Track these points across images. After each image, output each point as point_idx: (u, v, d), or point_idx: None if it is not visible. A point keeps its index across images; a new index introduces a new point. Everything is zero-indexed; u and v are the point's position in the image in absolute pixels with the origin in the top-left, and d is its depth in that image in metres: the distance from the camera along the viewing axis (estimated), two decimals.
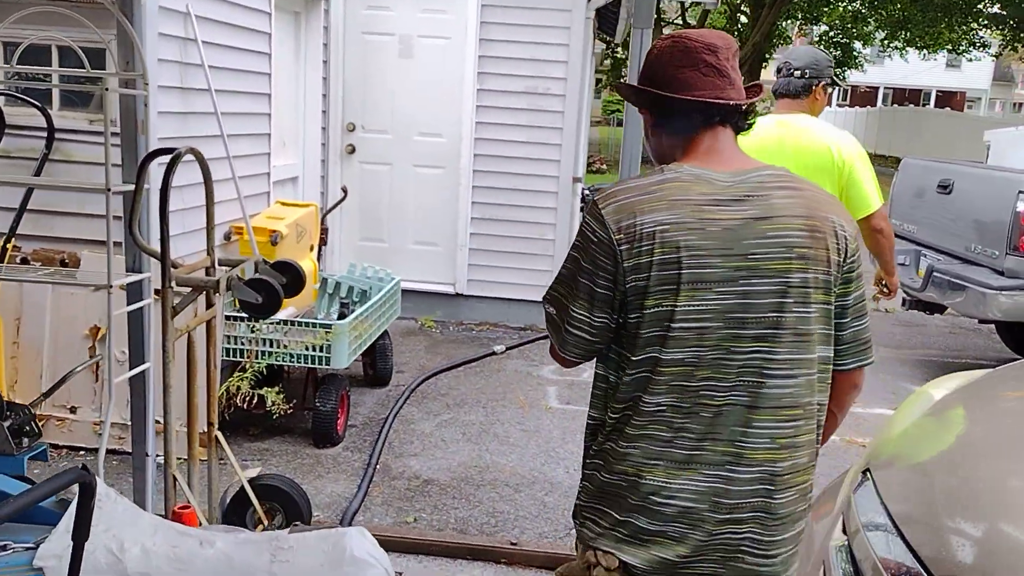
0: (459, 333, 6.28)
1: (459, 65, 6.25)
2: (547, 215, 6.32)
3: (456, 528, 3.46)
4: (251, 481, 3.03)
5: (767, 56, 33.32)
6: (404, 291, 5.94)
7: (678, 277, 1.53)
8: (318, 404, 4.07)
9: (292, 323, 4.02)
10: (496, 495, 3.75)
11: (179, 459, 2.75)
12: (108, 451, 3.38)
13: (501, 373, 5.44)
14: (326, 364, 4.02)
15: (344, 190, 5.59)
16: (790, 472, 1.58)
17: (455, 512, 3.58)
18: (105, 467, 2.97)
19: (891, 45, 30.30)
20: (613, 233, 1.56)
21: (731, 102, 1.63)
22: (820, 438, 1.64)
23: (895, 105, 40.65)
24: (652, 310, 1.55)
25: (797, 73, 3.31)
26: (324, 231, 5.41)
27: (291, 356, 4.03)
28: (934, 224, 5.68)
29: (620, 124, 33.36)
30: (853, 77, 38.74)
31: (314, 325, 4.02)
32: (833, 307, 1.60)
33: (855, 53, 33.20)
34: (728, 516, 1.57)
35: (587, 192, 6.83)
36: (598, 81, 28.27)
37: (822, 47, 33.17)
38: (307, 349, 4.00)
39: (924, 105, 46.23)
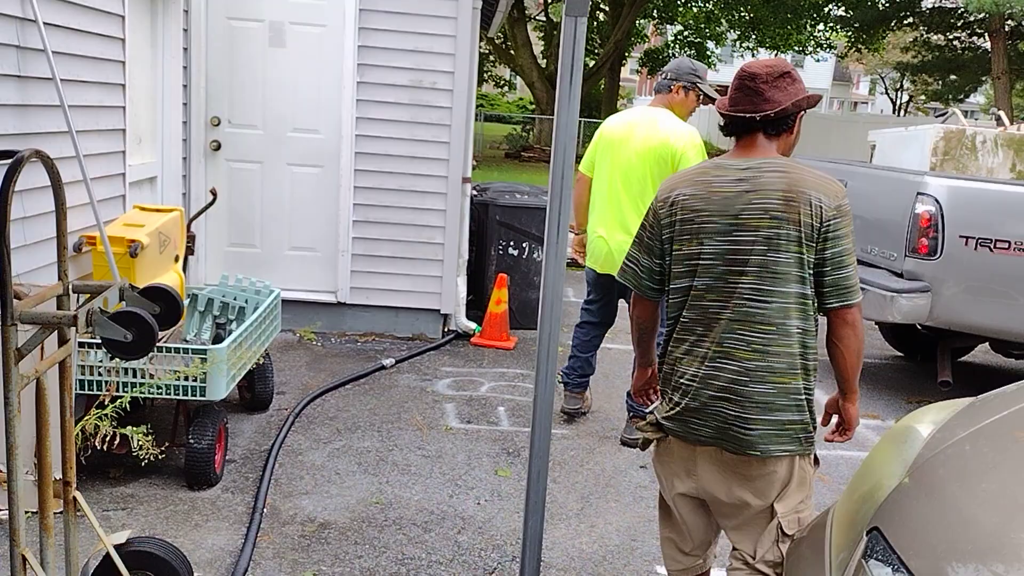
0: (343, 345, 5.81)
1: (337, 55, 5.77)
2: (436, 217, 5.94)
3: None
4: (119, 548, 2.53)
5: (626, 55, 33.98)
6: (282, 301, 5.43)
7: (692, 230, 2.28)
8: (191, 441, 3.55)
9: (160, 349, 3.48)
10: (404, 537, 3.36)
11: (29, 513, 2.23)
12: None
13: (393, 390, 5.03)
14: (201, 395, 3.51)
15: (214, 192, 5.02)
16: (764, 371, 2.20)
17: (359, 562, 3.17)
18: None
19: (743, 45, 31.44)
20: (657, 202, 2.38)
21: (744, 115, 2.30)
22: (809, 355, 2.22)
23: None
24: (678, 252, 2.31)
25: (663, 76, 4.39)
26: (190, 239, 4.84)
27: (159, 388, 3.49)
28: None
29: (487, 119, 33.10)
30: (708, 77, 39.95)
31: (187, 351, 3.50)
32: (810, 258, 2.18)
33: (708, 53, 34.27)
34: (717, 395, 2.24)
35: (475, 193, 6.49)
36: None
37: (675, 46, 34.10)
38: (179, 379, 3.48)
39: None
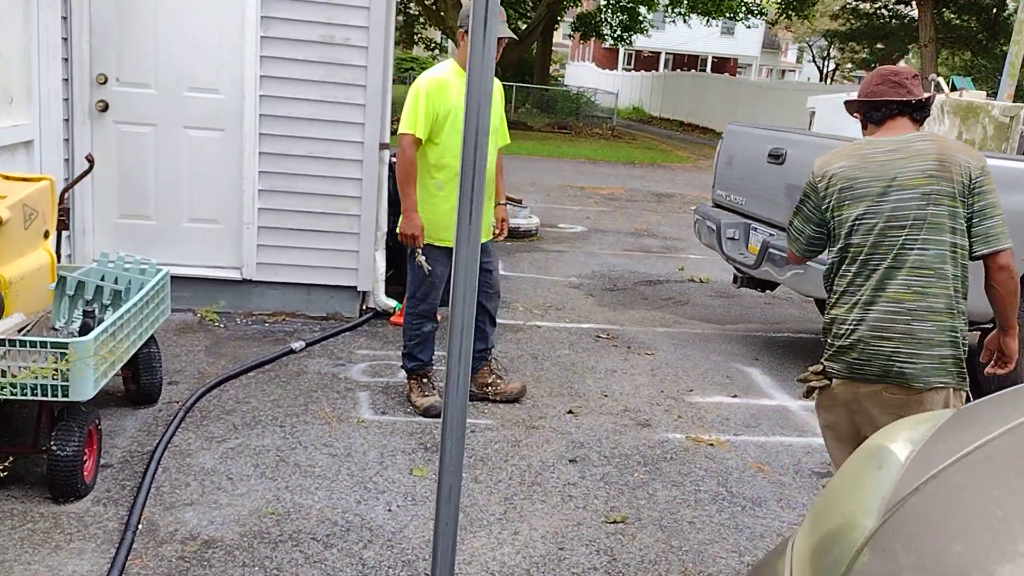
0: (249, 327, 5.33)
1: (238, 6, 5.21)
2: (351, 187, 5.47)
3: None
4: None
5: (559, 19, 33.43)
6: (179, 278, 4.93)
7: (852, 195, 2.67)
8: (54, 447, 3.07)
9: (11, 343, 2.98)
10: (300, 555, 2.95)
11: None
12: None
13: (302, 377, 4.59)
14: (64, 395, 3.03)
15: (89, 159, 4.46)
16: (925, 311, 2.58)
17: None
18: None
19: (675, 11, 31.18)
20: (815, 178, 2.78)
21: (897, 99, 2.75)
22: (960, 299, 2.61)
23: (678, 70, 42.27)
24: (839, 216, 2.70)
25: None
26: (63, 212, 4.29)
27: (14, 388, 2.99)
28: (765, 196, 5.38)
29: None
30: (639, 42, 39.79)
31: (44, 344, 3.00)
32: (964, 210, 2.59)
33: (640, 18, 33.95)
34: (882, 335, 2.60)
35: (393, 159, 6.02)
36: None
37: (608, 11, 33.69)
38: (37, 378, 2.99)
39: (702, 70, 48.63)
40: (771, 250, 5.01)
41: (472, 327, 2.08)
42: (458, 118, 3.95)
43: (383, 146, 5.49)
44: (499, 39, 3.82)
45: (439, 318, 4.42)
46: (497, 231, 4.30)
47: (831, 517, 1.65)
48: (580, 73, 47.94)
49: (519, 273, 7.51)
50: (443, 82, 4.02)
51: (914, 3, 20.80)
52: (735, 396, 4.91)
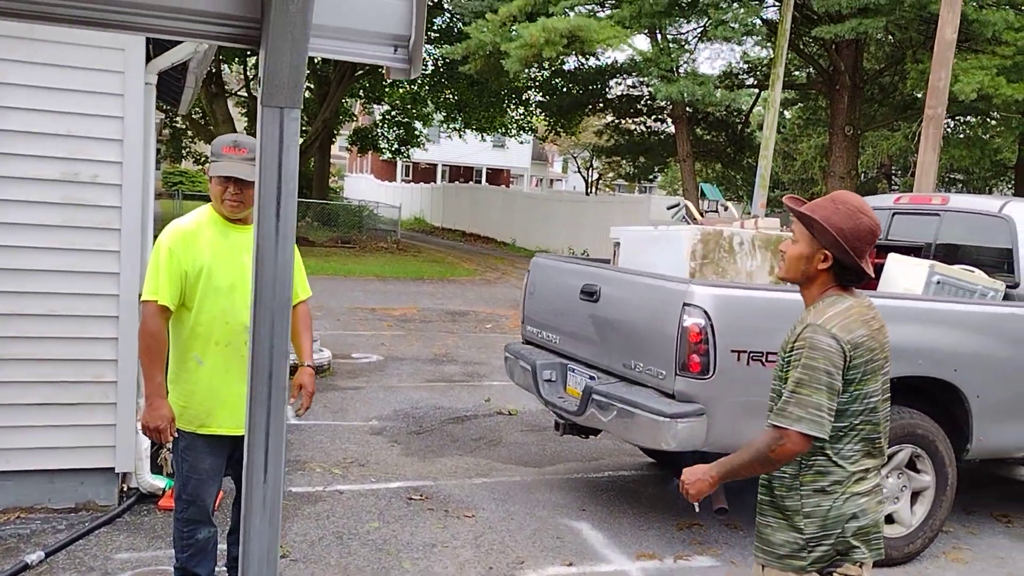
0: None
1: None
2: (106, 349, 4.55)
3: None
4: None
5: (335, 132, 33.24)
6: None
7: (873, 368, 2.43)
8: None
9: None
10: None
11: None
12: None
13: None
14: None
15: None
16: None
17: None
18: None
19: (451, 127, 31.98)
20: (845, 345, 2.37)
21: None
22: None
23: (456, 182, 43.27)
24: (857, 391, 2.43)
25: None
26: None
27: None
28: (580, 335, 5.04)
29: (187, 198, 30.81)
30: (416, 155, 40.43)
31: None
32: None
33: (416, 132, 34.56)
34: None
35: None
36: (157, 151, 25.63)
37: (384, 126, 34.01)
38: None
39: (478, 180, 50.20)
40: (594, 395, 4.63)
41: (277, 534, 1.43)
42: (214, 275, 3.23)
43: (144, 301, 4.63)
44: (245, 182, 3.20)
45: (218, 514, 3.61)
46: (296, 401, 3.57)
47: None
48: (359, 185, 47.88)
49: (313, 421, 6.72)
50: (190, 234, 3.28)
51: (671, 120, 22.39)
52: (570, 564, 4.40)
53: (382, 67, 1.64)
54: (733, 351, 4.17)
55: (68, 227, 4.44)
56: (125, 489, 4.78)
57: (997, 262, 5.31)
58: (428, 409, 7.38)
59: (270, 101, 1.45)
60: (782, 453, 2.35)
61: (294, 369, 3.53)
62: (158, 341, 3.23)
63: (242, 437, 3.25)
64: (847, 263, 2.40)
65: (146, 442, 4.74)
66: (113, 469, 4.65)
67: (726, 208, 6.52)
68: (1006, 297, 5.05)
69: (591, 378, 4.83)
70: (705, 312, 4.14)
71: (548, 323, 5.41)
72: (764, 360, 4.19)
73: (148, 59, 4.67)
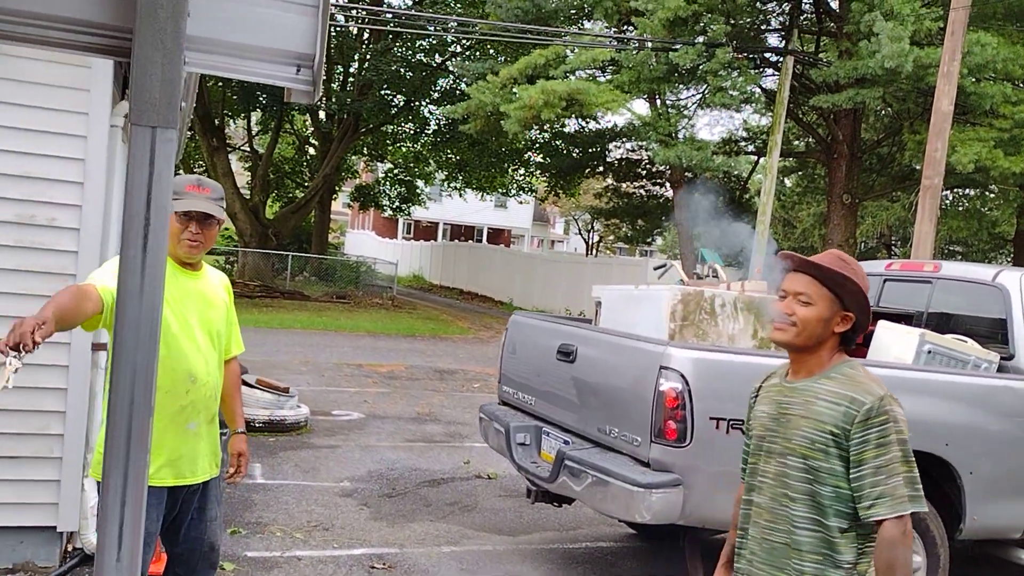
0: None
1: None
2: (54, 400, 4.34)
3: None
4: None
5: (337, 188, 33.36)
6: None
7: None
8: None
9: None
10: None
11: None
12: None
13: None
14: None
15: None
16: None
17: None
18: None
19: (451, 185, 32.13)
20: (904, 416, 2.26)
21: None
22: None
23: (456, 240, 43.35)
24: None
25: None
26: None
27: None
28: (556, 397, 4.82)
29: None
30: (417, 213, 40.60)
31: None
32: None
33: (418, 191, 34.71)
34: None
35: None
36: None
37: (386, 184, 34.17)
38: None
39: (478, 239, 50.31)
40: (567, 461, 4.39)
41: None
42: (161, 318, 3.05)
43: (97, 347, 4.44)
44: (206, 223, 3.08)
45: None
46: (231, 469, 3.33)
47: None
48: (360, 241, 47.95)
49: (281, 480, 6.45)
50: None
51: (669, 184, 22.42)
52: None
53: (282, 87, 1.48)
54: (712, 418, 3.95)
55: (20, 271, 4.26)
56: (70, 549, 4.52)
57: (990, 332, 5.11)
58: (404, 470, 7.11)
59: (140, 119, 1.28)
60: (911, 540, 2.20)
61: (225, 433, 3.32)
62: (71, 293, 2.66)
63: (182, 488, 2.93)
64: (864, 326, 2.22)
65: (94, 498, 4.49)
66: (55, 528, 4.39)
67: (715, 273, 6.37)
68: (1000, 369, 4.84)
69: (565, 443, 4.60)
70: (683, 376, 3.93)
71: (525, 383, 5.20)
72: (744, 429, 3.95)
73: (117, 100, 4.56)
